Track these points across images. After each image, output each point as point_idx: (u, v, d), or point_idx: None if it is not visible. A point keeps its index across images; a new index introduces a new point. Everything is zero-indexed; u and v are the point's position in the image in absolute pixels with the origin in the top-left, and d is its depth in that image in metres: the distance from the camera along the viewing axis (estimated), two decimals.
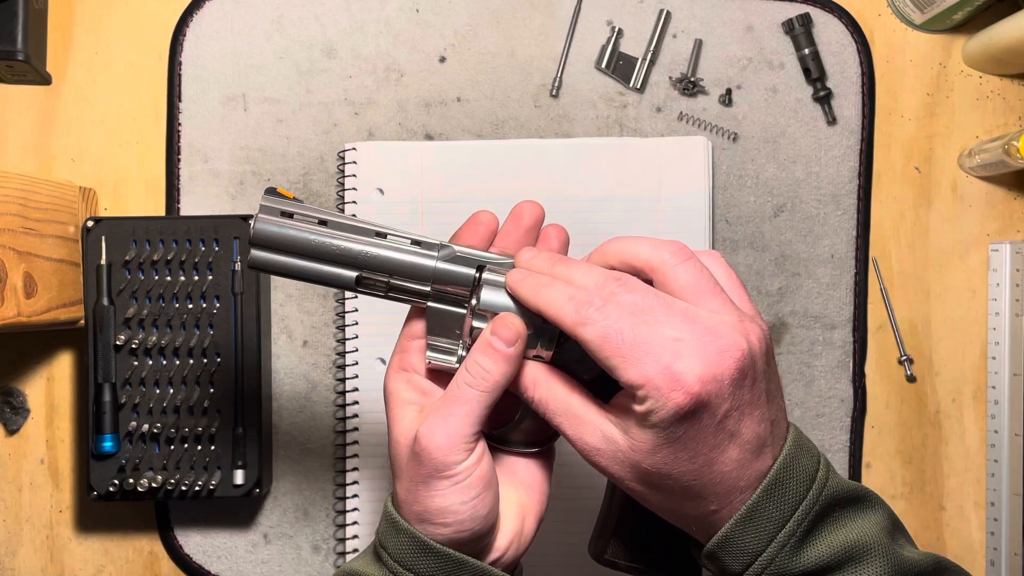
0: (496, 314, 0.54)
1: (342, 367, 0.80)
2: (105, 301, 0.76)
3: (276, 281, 0.81)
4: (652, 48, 0.81)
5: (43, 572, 0.82)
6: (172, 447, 0.76)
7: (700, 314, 0.50)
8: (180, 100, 0.82)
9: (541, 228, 0.59)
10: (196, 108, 0.82)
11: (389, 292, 0.56)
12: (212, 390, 0.76)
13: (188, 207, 0.82)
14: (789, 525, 0.50)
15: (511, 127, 0.82)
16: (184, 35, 0.82)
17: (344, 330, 0.80)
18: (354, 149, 0.80)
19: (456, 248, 0.56)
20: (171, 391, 0.76)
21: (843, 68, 0.81)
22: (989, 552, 0.80)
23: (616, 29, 0.82)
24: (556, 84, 0.82)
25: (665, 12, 0.82)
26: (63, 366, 0.82)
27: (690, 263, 0.51)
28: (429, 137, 0.82)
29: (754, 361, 0.49)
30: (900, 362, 0.81)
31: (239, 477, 0.76)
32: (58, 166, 0.82)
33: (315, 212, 0.56)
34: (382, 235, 0.56)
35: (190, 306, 0.76)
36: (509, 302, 0.54)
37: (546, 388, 0.54)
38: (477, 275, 0.55)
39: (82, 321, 0.78)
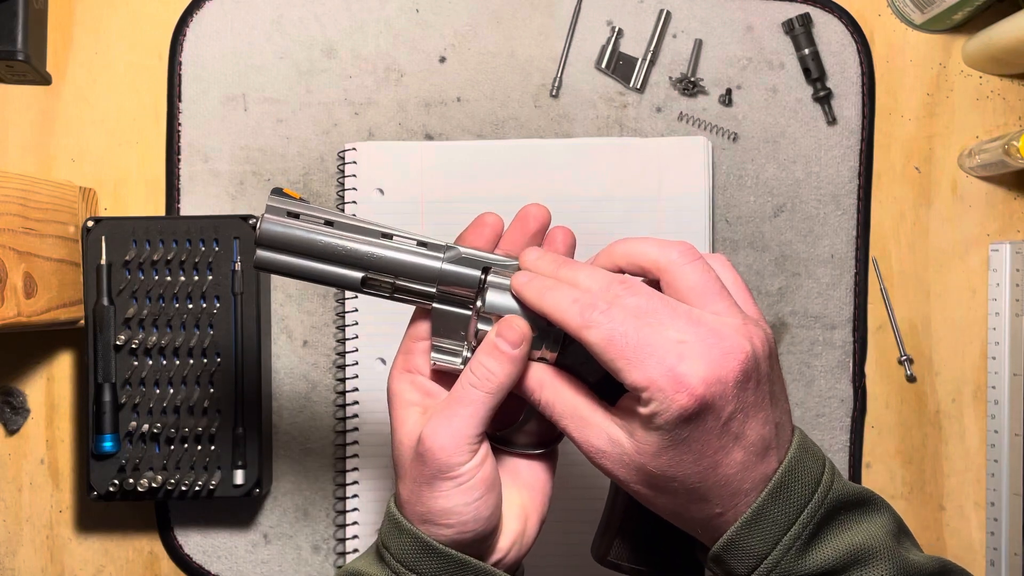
0: (501, 316, 0.54)
1: (342, 367, 0.80)
2: (105, 301, 0.76)
3: (276, 281, 0.82)
4: (652, 48, 0.82)
5: (43, 572, 0.82)
6: (172, 447, 0.76)
7: (704, 317, 0.50)
8: (180, 100, 0.82)
9: (548, 231, 0.59)
10: (196, 108, 0.82)
11: (394, 293, 0.56)
12: (212, 390, 0.76)
13: (188, 207, 0.82)
14: (794, 528, 0.50)
15: (511, 127, 0.82)
16: (184, 35, 0.82)
17: (344, 330, 0.80)
18: (354, 149, 0.80)
19: (462, 250, 0.56)
20: (171, 391, 0.76)
21: (843, 68, 0.81)
22: (989, 552, 0.80)
23: (616, 29, 0.82)
24: (556, 84, 0.82)
25: (665, 12, 0.82)
26: (63, 366, 0.82)
27: (697, 264, 0.52)
28: (429, 137, 0.82)
29: (758, 364, 0.49)
30: (900, 362, 0.81)
31: (239, 477, 0.76)
32: (58, 166, 0.82)
33: (321, 213, 0.56)
34: (388, 236, 0.56)
35: (190, 306, 0.76)
36: (514, 304, 0.54)
37: (552, 390, 0.54)
38: (482, 277, 0.55)
39: (82, 321, 0.78)
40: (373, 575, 0.54)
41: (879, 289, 0.81)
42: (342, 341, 0.81)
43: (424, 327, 0.57)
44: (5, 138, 0.82)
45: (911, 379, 0.81)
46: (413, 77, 0.82)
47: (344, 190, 0.81)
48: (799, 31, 0.81)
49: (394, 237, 0.56)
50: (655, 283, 0.53)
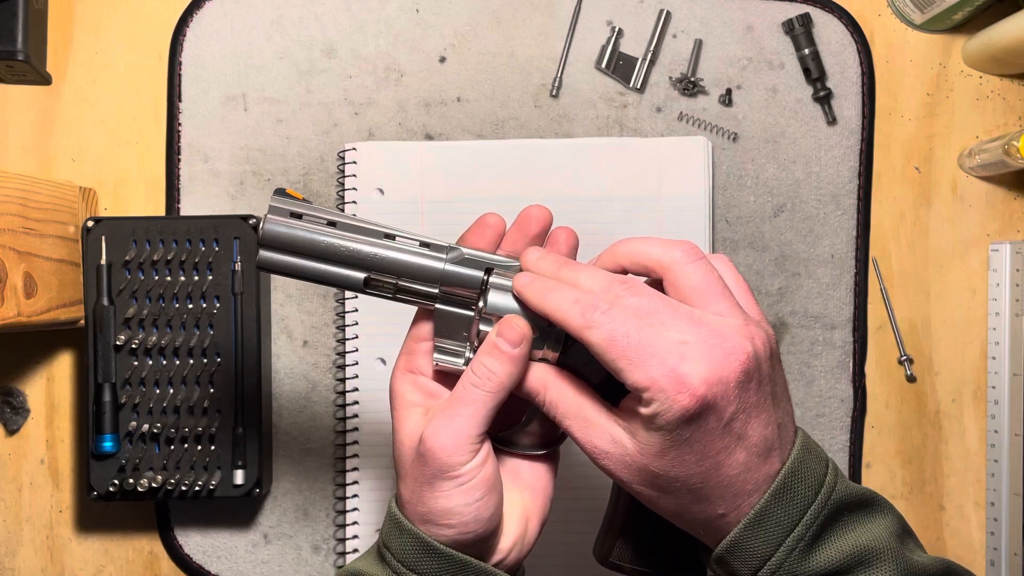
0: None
1: (342, 367, 0.80)
2: (105, 301, 0.76)
3: (276, 281, 0.82)
4: (652, 48, 0.81)
5: (43, 572, 0.82)
6: (172, 447, 0.76)
7: (705, 317, 0.50)
8: (180, 100, 0.82)
9: (550, 231, 0.59)
10: (196, 108, 0.82)
11: (397, 294, 0.56)
12: (212, 390, 0.76)
13: (188, 207, 0.82)
14: (798, 529, 0.50)
15: (511, 127, 0.82)
16: (184, 35, 0.82)
17: (344, 330, 0.80)
18: (354, 149, 0.80)
19: (464, 251, 0.56)
20: (171, 391, 0.76)
21: (843, 68, 0.81)
22: (989, 552, 0.80)
23: (616, 29, 0.82)
24: (556, 84, 0.82)
25: (665, 12, 0.82)
26: (63, 366, 0.82)
27: (700, 263, 0.52)
28: (429, 137, 0.82)
29: (759, 364, 0.49)
30: (900, 362, 0.81)
31: (239, 477, 0.76)
32: (58, 166, 0.82)
33: (324, 213, 0.56)
34: (391, 236, 0.56)
35: (190, 306, 0.76)
36: (516, 305, 0.55)
37: (556, 391, 0.54)
38: (485, 278, 0.55)
39: (82, 321, 0.78)
40: (374, 575, 0.54)
41: (879, 289, 0.81)
42: (342, 341, 0.81)
43: (426, 328, 0.57)
44: (5, 138, 0.82)
45: (911, 379, 0.81)
46: (413, 77, 0.82)
47: (344, 190, 0.81)
48: (799, 31, 0.81)
49: (396, 238, 0.56)
50: (658, 283, 0.53)
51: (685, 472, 0.49)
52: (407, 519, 0.54)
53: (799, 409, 0.81)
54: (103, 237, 0.76)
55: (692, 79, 0.81)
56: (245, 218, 0.77)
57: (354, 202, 0.80)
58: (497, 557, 0.55)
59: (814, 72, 0.81)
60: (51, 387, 0.82)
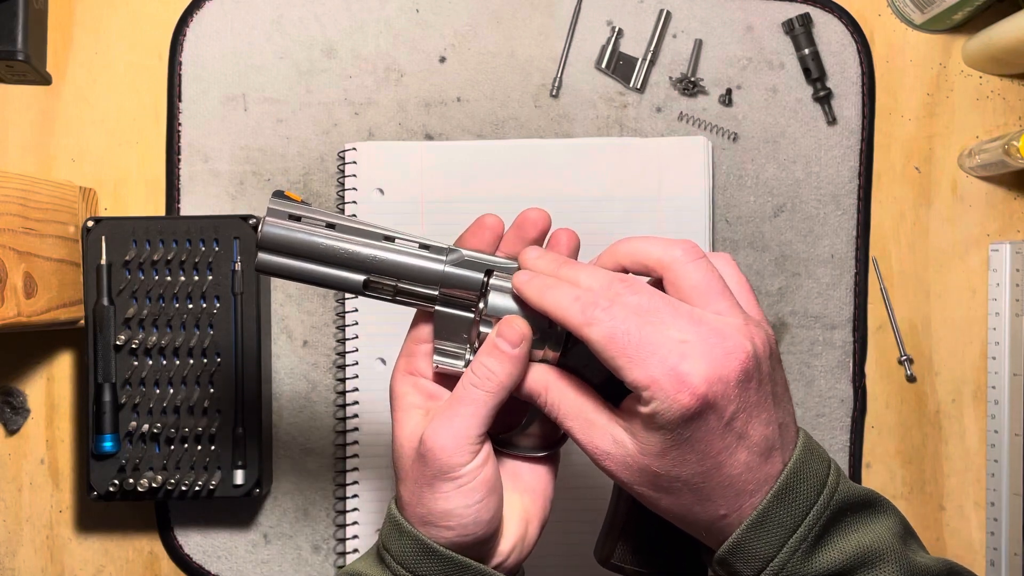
0: None
1: (342, 367, 0.80)
2: (105, 301, 0.76)
3: (276, 281, 0.81)
4: (652, 48, 0.81)
5: (43, 572, 0.82)
6: (172, 447, 0.76)
7: (706, 316, 0.50)
8: (180, 100, 0.82)
9: (551, 233, 0.59)
10: (196, 108, 0.82)
11: (397, 296, 0.56)
12: (212, 390, 0.76)
13: (188, 207, 0.82)
14: (800, 530, 0.49)
15: (511, 127, 0.82)
16: (184, 35, 0.82)
17: (344, 330, 0.80)
18: (354, 149, 0.80)
19: (464, 252, 0.56)
20: (171, 391, 0.76)
21: (843, 68, 0.81)
22: (989, 552, 0.80)
23: (616, 29, 0.82)
24: (556, 84, 0.82)
25: (665, 12, 0.82)
26: (63, 366, 0.82)
27: (701, 262, 0.52)
28: (429, 137, 0.82)
29: (759, 364, 0.49)
30: (900, 362, 0.81)
31: (239, 477, 0.76)
32: (58, 166, 0.82)
33: (323, 215, 0.55)
34: (390, 239, 0.56)
35: (190, 306, 0.76)
36: (517, 307, 0.55)
37: (558, 392, 0.54)
38: (484, 280, 0.55)
39: (82, 321, 0.78)
40: None
41: (879, 289, 0.81)
42: (342, 341, 0.81)
43: (426, 329, 0.57)
44: (5, 138, 0.82)
45: (911, 379, 0.81)
46: (413, 77, 0.82)
47: (344, 190, 0.81)
48: (799, 31, 0.81)
49: (396, 240, 0.56)
50: (658, 283, 0.53)
51: (687, 472, 0.49)
52: (407, 521, 0.54)
53: (799, 409, 0.81)
54: (103, 237, 0.76)
55: (692, 79, 0.81)
56: (245, 218, 0.77)
57: (354, 202, 0.80)
58: (497, 559, 0.55)
59: (814, 72, 0.81)
60: (51, 387, 0.82)
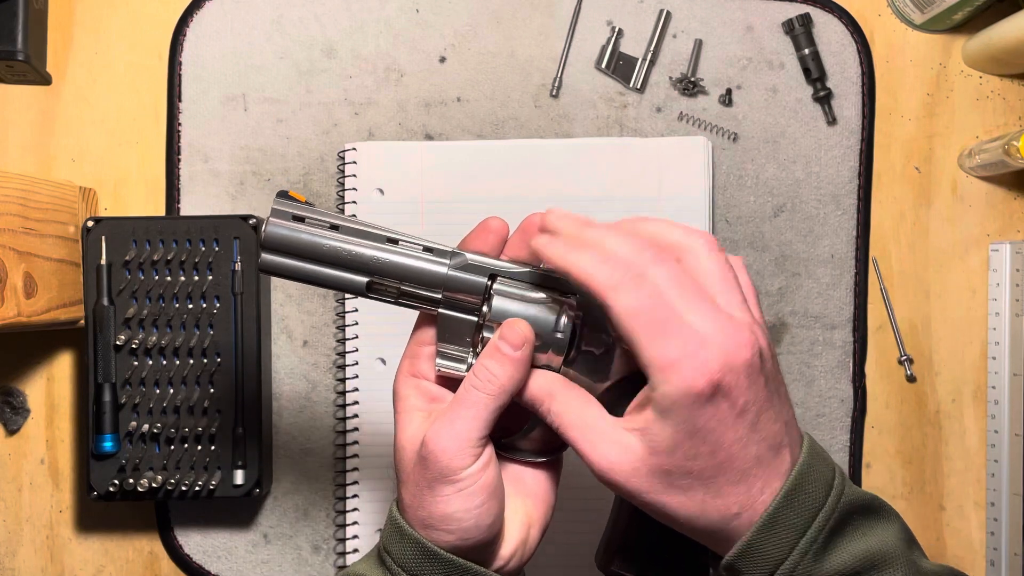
0: None
1: (342, 367, 0.80)
2: (105, 301, 0.76)
3: (276, 281, 0.82)
4: (652, 48, 0.82)
5: (43, 572, 0.82)
6: (172, 447, 0.76)
7: (722, 305, 0.50)
8: (180, 100, 0.82)
9: None
10: (196, 108, 0.82)
11: (400, 298, 0.56)
12: (212, 390, 0.76)
13: (188, 207, 0.82)
14: (810, 532, 0.49)
15: (511, 127, 0.82)
16: (184, 35, 0.82)
17: (344, 330, 0.80)
18: (354, 149, 0.80)
19: (468, 256, 0.56)
20: (171, 391, 0.76)
21: (843, 68, 0.81)
22: (989, 552, 0.80)
23: (616, 29, 0.82)
24: (556, 84, 0.82)
25: (665, 12, 0.82)
26: (63, 366, 0.82)
27: (720, 255, 0.51)
28: (429, 137, 0.82)
29: (764, 360, 0.49)
30: (900, 362, 0.81)
31: (239, 477, 0.76)
32: (58, 166, 0.82)
33: (327, 216, 0.55)
34: (394, 241, 0.55)
35: (190, 306, 0.76)
36: (520, 311, 0.54)
37: (562, 401, 0.53)
38: (488, 284, 0.55)
39: (82, 321, 0.78)
40: None
41: (879, 289, 0.81)
42: (342, 341, 0.81)
43: (430, 332, 0.57)
44: (5, 138, 0.82)
45: (911, 379, 0.81)
46: (413, 77, 0.82)
47: (344, 190, 0.81)
48: (799, 31, 0.81)
49: (400, 242, 0.56)
50: None
51: (699, 465, 0.49)
52: (408, 524, 0.54)
53: (799, 409, 0.81)
54: (103, 237, 0.76)
55: (692, 79, 0.81)
56: (245, 218, 0.77)
57: (354, 202, 0.80)
58: (498, 564, 0.55)
59: (814, 72, 0.81)
60: (51, 387, 0.82)
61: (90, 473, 0.76)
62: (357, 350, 0.80)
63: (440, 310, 0.56)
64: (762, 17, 0.82)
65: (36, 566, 0.82)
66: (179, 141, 0.82)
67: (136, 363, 0.76)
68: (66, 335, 0.82)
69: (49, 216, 0.75)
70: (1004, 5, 0.79)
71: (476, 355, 0.55)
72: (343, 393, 0.80)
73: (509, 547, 0.55)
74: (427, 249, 0.56)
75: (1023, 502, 0.78)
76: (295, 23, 0.82)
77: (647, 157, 0.80)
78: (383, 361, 0.79)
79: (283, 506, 0.81)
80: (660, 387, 0.48)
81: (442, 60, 0.82)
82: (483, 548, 0.54)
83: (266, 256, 0.55)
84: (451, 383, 0.56)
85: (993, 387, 0.80)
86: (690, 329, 0.48)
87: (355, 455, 0.80)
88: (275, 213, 0.55)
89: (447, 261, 0.55)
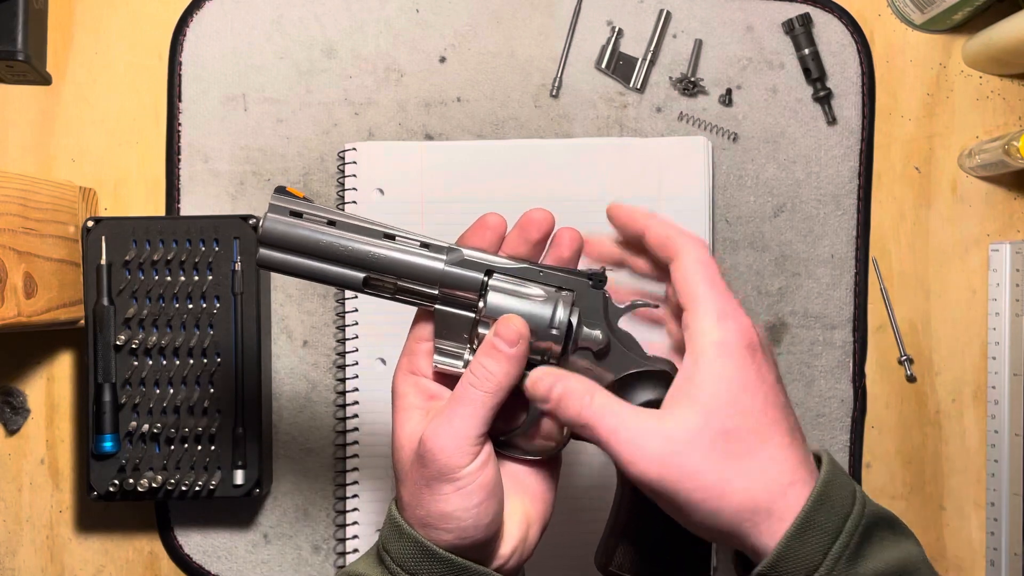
0: None
1: (342, 367, 0.80)
2: (105, 301, 0.76)
3: (276, 281, 0.82)
4: (652, 48, 0.81)
5: (43, 572, 0.82)
6: (172, 447, 0.76)
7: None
8: (180, 100, 0.82)
9: (554, 233, 0.58)
10: (196, 108, 0.82)
11: (397, 294, 0.56)
12: (212, 390, 0.76)
13: (188, 207, 0.82)
14: (843, 536, 0.49)
15: (511, 127, 0.82)
16: (184, 35, 0.82)
17: (344, 330, 0.80)
18: (354, 149, 0.81)
19: (465, 251, 0.56)
20: (171, 391, 0.76)
21: (843, 68, 0.81)
22: (989, 552, 0.80)
23: (616, 29, 0.82)
24: (556, 84, 0.82)
25: (665, 12, 0.82)
26: (63, 366, 0.82)
27: (710, 259, 0.55)
28: (429, 137, 0.82)
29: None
30: (900, 362, 0.81)
31: (239, 477, 0.76)
32: (58, 166, 0.82)
33: (324, 212, 0.55)
34: (391, 237, 0.56)
35: (190, 306, 0.76)
36: (517, 307, 0.54)
37: (601, 402, 0.53)
38: (484, 280, 0.55)
39: (82, 321, 0.78)
40: None
41: (879, 289, 0.81)
42: (342, 341, 0.81)
43: (427, 328, 0.57)
44: (5, 138, 0.82)
45: (911, 379, 0.81)
46: (413, 77, 0.82)
47: (344, 190, 0.81)
48: (799, 31, 0.81)
49: (397, 238, 0.56)
50: (664, 268, 0.55)
51: (751, 424, 0.51)
52: (406, 523, 0.54)
53: (799, 409, 0.81)
54: (103, 237, 0.76)
55: (692, 79, 0.81)
56: (245, 218, 0.77)
57: (354, 202, 0.80)
58: (498, 562, 0.55)
59: (814, 72, 0.81)
60: (51, 387, 0.82)
61: (90, 473, 0.76)
62: (357, 350, 0.80)
63: (437, 306, 0.56)
64: (762, 17, 0.82)
65: (36, 566, 0.82)
66: (179, 141, 0.82)
67: (136, 363, 0.76)
68: (66, 335, 0.82)
69: (49, 216, 0.75)
70: (1004, 5, 0.79)
71: (473, 351, 0.55)
72: (343, 393, 0.80)
73: (508, 546, 0.55)
74: (424, 245, 0.56)
75: (1023, 502, 0.78)
76: (295, 23, 0.82)
77: (647, 157, 0.80)
78: (383, 361, 0.79)
79: (283, 506, 0.81)
80: (719, 333, 0.51)
81: (442, 60, 0.82)
82: (482, 547, 0.54)
83: (263, 251, 0.55)
84: (449, 380, 0.56)
85: (993, 387, 0.80)
86: (727, 298, 0.53)
87: (355, 455, 0.80)
88: (273, 208, 0.55)
89: (444, 257, 0.55)
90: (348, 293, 0.80)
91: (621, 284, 0.59)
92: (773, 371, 0.53)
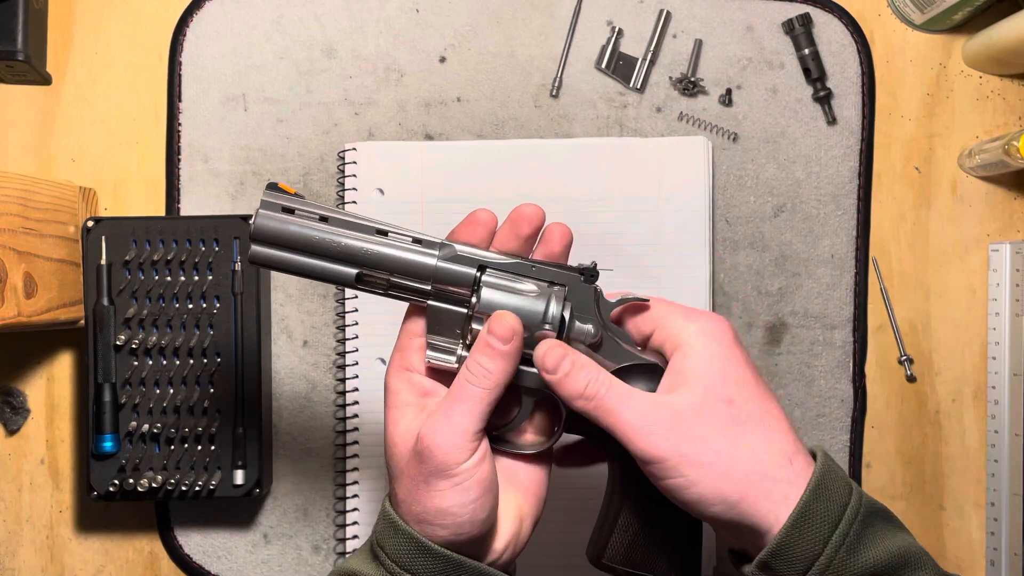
0: None
1: (342, 367, 0.80)
2: (105, 301, 0.76)
3: (276, 281, 0.82)
4: (652, 48, 0.81)
5: (43, 572, 0.82)
6: (172, 447, 0.76)
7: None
8: (180, 100, 0.82)
9: (544, 228, 0.59)
10: (196, 108, 0.82)
11: (389, 290, 0.56)
12: (212, 390, 0.76)
13: (188, 207, 0.82)
14: (842, 525, 0.50)
15: (511, 127, 0.82)
16: (184, 35, 0.82)
17: (344, 330, 0.80)
18: (354, 149, 0.81)
19: (457, 247, 0.56)
20: (171, 391, 0.76)
21: (843, 68, 0.81)
22: (989, 552, 0.80)
23: (616, 29, 0.82)
24: (556, 84, 0.82)
25: (665, 12, 0.82)
26: (63, 366, 0.82)
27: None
28: (429, 137, 0.82)
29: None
30: (900, 362, 0.81)
31: (239, 477, 0.76)
32: (58, 166, 0.82)
33: (316, 208, 0.55)
34: (383, 232, 0.56)
35: (190, 306, 0.76)
36: (509, 302, 0.55)
37: (605, 378, 0.54)
38: (477, 275, 0.55)
39: (82, 321, 0.78)
40: (368, 574, 0.54)
41: (879, 289, 0.81)
42: (342, 341, 0.81)
43: (419, 324, 0.57)
44: (5, 138, 0.82)
45: (911, 379, 0.81)
46: (413, 77, 0.82)
47: (344, 190, 0.81)
48: (799, 31, 0.81)
49: (389, 234, 0.56)
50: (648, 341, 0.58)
51: (747, 395, 0.53)
52: (402, 519, 0.54)
53: (799, 409, 0.81)
54: (103, 237, 0.76)
55: (692, 79, 0.81)
56: (245, 218, 0.77)
57: (354, 202, 0.80)
58: (491, 557, 0.55)
59: (814, 72, 0.81)
60: (51, 387, 0.82)
61: (90, 473, 0.76)
62: (357, 350, 0.80)
63: (429, 302, 0.56)
64: (762, 17, 0.82)
65: (36, 566, 0.82)
66: (179, 141, 0.82)
67: (136, 363, 0.76)
68: (66, 335, 0.82)
69: (49, 216, 0.75)
70: (1004, 5, 0.79)
71: (466, 346, 0.55)
72: (343, 393, 0.80)
73: (502, 540, 0.55)
74: (416, 240, 0.56)
75: (1023, 502, 0.78)
76: (295, 23, 0.82)
77: (647, 157, 0.80)
78: (383, 361, 0.79)
79: (283, 506, 0.81)
80: (697, 325, 0.54)
81: (442, 60, 0.82)
82: (477, 542, 0.54)
83: (256, 248, 0.55)
84: (441, 375, 0.57)
85: (993, 387, 0.80)
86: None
87: (355, 455, 0.80)
88: (264, 205, 0.55)
89: (436, 252, 0.55)
90: (348, 293, 0.80)
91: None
92: (753, 364, 0.55)
